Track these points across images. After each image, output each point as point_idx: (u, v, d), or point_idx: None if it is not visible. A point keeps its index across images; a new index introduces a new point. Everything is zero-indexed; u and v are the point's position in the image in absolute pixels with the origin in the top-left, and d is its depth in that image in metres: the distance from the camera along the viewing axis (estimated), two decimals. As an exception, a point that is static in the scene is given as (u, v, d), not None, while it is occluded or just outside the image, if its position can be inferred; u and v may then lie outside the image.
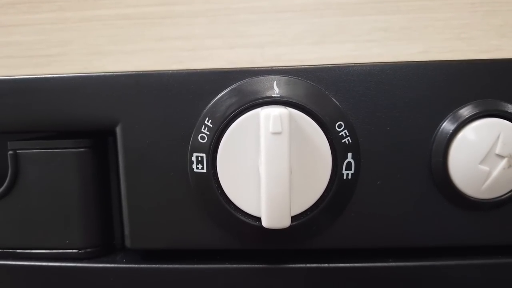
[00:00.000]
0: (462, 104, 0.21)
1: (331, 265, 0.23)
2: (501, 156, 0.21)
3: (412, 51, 0.30)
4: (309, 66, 0.21)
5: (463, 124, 0.21)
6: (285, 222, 0.20)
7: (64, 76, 0.21)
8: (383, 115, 0.21)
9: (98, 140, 0.23)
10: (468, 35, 0.30)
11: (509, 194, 0.21)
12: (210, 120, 0.21)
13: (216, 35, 0.29)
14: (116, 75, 0.21)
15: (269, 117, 0.19)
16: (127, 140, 0.22)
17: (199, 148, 0.21)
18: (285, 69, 0.21)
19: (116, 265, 0.23)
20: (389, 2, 0.29)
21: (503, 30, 0.30)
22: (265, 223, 0.20)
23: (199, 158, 0.21)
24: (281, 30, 0.29)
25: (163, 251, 0.23)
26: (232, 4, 0.29)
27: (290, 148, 0.19)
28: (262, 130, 0.19)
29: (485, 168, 0.21)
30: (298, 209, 0.21)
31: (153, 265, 0.23)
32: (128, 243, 0.23)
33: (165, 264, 0.23)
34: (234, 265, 0.23)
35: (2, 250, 0.24)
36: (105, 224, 0.24)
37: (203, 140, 0.21)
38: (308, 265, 0.22)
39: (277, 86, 0.21)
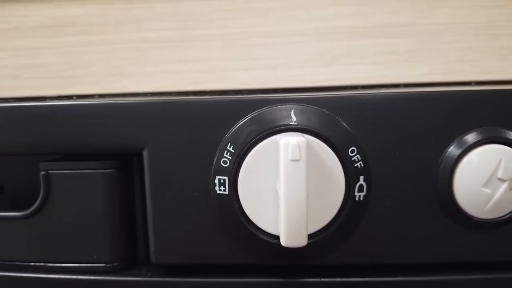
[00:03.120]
0: (466, 131, 0.23)
1: (344, 279, 0.24)
2: (502, 180, 0.22)
3: (417, 72, 0.32)
4: (323, 96, 0.23)
5: (467, 150, 0.23)
6: (302, 242, 0.22)
7: (94, 103, 0.23)
8: (393, 141, 0.23)
9: (124, 161, 0.25)
10: (470, 57, 0.32)
11: (510, 214, 0.23)
12: (232, 146, 0.23)
13: (231, 57, 0.31)
14: (144, 102, 0.23)
15: (288, 145, 0.21)
16: (153, 163, 0.24)
17: (221, 171, 0.23)
18: (301, 98, 0.23)
19: (141, 278, 0.25)
20: (395, 26, 0.31)
21: (504, 52, 0.32)
22: (283, 242, 0.22)
23: (222, 181, 0.23)
24: (293, 53, 0.31)
25: (185, 266, 0.25)
26: (246, 29, 0.31)
27: (308, 173, 0.21)
28: (282, 157, 0.21)
29: (487, 190, 0.22)
30: (313, 228, 0.23)
31: (176, 279, 0.25)
32: (153, 257, 0.25)
33: (187, 278, 0.25)
34: (253, 279, 0.24)
35: (34, 263, 0.25)
36: (130, 240, 0.26)
37: (226, 164, 0.23)
38: (322, 279, 0.24)
39: (294, 115, 0.23)
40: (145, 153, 0.23)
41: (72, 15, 0.30)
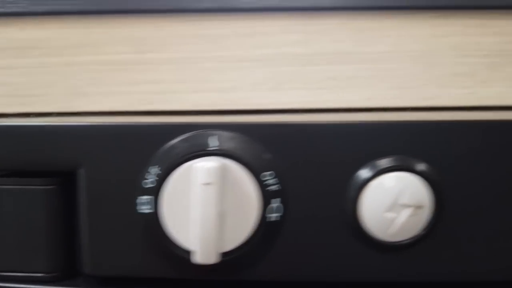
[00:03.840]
0: (374, 159, 0.25)
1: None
2: (406, 205, 0.24)
3: (358, 98, 0.34)
4: (245, 123, 0.25)
5: (374, 176, 0.25)
6: (214, 259, 0.24)
7: (34, 125, 0.26)
8: (307, 166, 0.25)
9: (66, 178, 0.27)
10: (409, 84, 0.34)
11: (413, 238, 0.25)
12: (156, 168, 0.25)
13: (183, 80, 0.33)
14: (79, 125, 0.26)
15: (201, 169, 0.23)
16: (87, 182, 0.26)
17: (146, 191, 0.25)
18: (224, 124, 0.25)
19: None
20: (338, 54, 0.33)
21: (441, 80, 0.34)
22: (197, 259, 0.24)
23: (146, 200, 0.25)
24: (241, 77, 0.33)
25: (119, 278, 0.27)
26: (197, 54, 0.33)
27: (220, 196, 0.23)
28: (196, 180, 0.23)
29: (391, 215, 0.24)
30: (230, 246, 0.25)
31: None
32: (86, 269, 0.27)
33: None
34: None
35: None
36: (68, 252, 0.28)
37: (149, 185, 0.25)
38: None
39: (216, 140, 0.25)
40: (80, 172, 0.26)
41: (35, 38, 0.33)
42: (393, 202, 0.24)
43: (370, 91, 0.34)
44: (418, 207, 0.24)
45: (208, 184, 0.23)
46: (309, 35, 0.33)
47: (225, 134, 0.25)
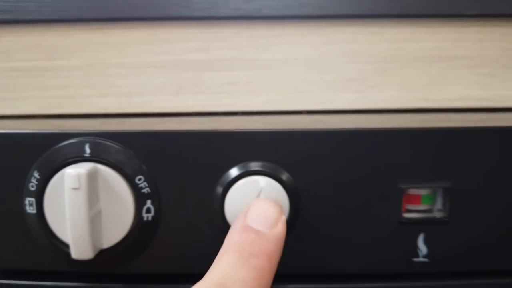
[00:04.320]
0: (240, 163, 0.27)
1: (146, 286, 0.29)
2: None
3: (256, 102, 0.36)
4: (119, 132, 0.28)
5: (237, 178, 0.27)
6: (88, 255, 0.26)
7: None
8: (178, 170, 0.28)
9: None
10: (304, 89, 0.36)
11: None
12: (38, 173, 0.27)
13: (90, 85, 0.36)
14: None
15: (69, 175, 0.25)
16: None
17: (30, 193, 0.28)
18: (98, 132, 0.27)
19: None
20: (236, 60, 0.36)
21: (334, 85, 0.36)
22: (73, 255, 0.26)
23: (30, 202, 0.28)
24: (145, 82, 0.36)
25: (21, 271, 0.30)
26: (103, 60, 0.36)
27: (90, 199, 0.26)
28: (65, 185, 0.26)
29: None
30: (109, 243, 0.28)
31: (9, 281, 0.30)
32: None
33: (18, 281, 0.30)
34: (70, 283, 0.29)
35: None
36: None
37: (33, 188, 0.28)
38: (125, 285, 0.29)
39: (88, 148, 0.27)
40: None
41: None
42: None
43: (268, 96, 0.36)
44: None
45: (76, 188, 0.25)
46: (208, 42, 0.35)
47: (101, 142, 0.27)
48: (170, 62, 0.35)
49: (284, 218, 0.26)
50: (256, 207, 0.26)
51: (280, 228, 0.25)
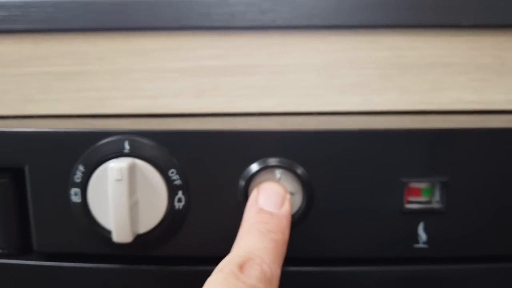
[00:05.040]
0: (262, 158, 0.31)
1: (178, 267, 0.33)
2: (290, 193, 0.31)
3: (271, 104, 0.40)
4: (153, 130, 0.32)
5: (258, 171, 0.31)
6: (128, 239, 0.30)
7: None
8: (206, 165, 0.32)
9: (15, 173, 0.34)
10: (314, 92, 0.40)
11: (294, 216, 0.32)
12: (83, 166, 0.31)
13: (118, 88, 0.40)
14: (22, 131, 0.32)
15: (112, 169, 0.29)
16: (31, 176, 0.32)
17: (76, 185, 0.32)
18: (136, 131, 0.31)
19: (25, 262, 0.34)
20: (252, 66, 0.40)
21: (342, 89, 0.40)
22: (114, 238, 0.30)
23: (76, 192, 0.32)
24: (168, 86, 0.40)
25: (64, 254, 0.34)
26: (130, 65, 0.39)
27: (130, 190, 0.30)
28: (109, 177, 0.30)
29: None
30: (145, 228, 0.32)
31: (54, 263, 0.34)
32: (35, 246, 0.34)
33: (63, 262, 0.34)
34: (110, 265, 0.33)
35: None
36: (23, 232, 0.35)
37: (78, 179, 0.32)
38: (159, 266, 0.33)
39: (128, 144, 0.31)
40: (25, 169, 0.32)
41: (-8, 52, 0.39)
42: None
43: (281, 99, 0.40)
44: (292, 193, 0.31)
45: (119, 180, 0.29)
46: (226, 50, 0.39)
47: (138, 139, 0.31)
48: (191, 68, 0.39)
49: (289, 197, 0.31)
50: (264, 190, 0.31)
51: (287, 206, 0.31)
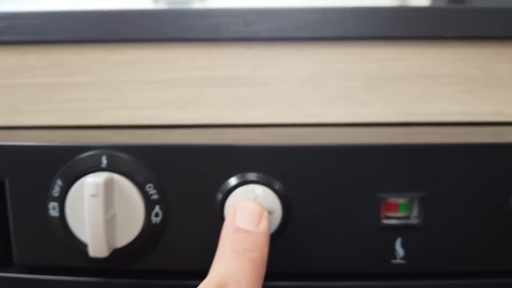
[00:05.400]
0: (239, 173, 0.32)
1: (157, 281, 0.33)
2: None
3: (255, 115, 0.41)
4: (133, 145, 0.32)
5: (236, 186, 0.31)
6: (103, 254, 0.31)
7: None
8: (184, 180, 0.32)
9: None
10: (299, 104, 0.40)
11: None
12: (61, 180, 0.32)
13: (104, 99, 0.40)
14: (3, 145, 0.32)
15: (88, 183, 0.30)
16: (11, 190, 0.33)
17: (54, 199, 0.32)
18: (113, 145, 0.32)
19: (5, 274, 0.34)
20: (237, 77, 0.40)
21: (326, 100, 0.40)
22: (90, 253, 0.31)
23: (54, 206, 0.32)
24: (154, 97, 0.40)
25: (45, 267, 0.34)
26: (117, 77, 0.40)
27: (106, 205, 0.30)
28: (85, 192, 0.30)
29: None
30: (122, 243, 0.32)
31: (34, 276, 0.34)
32: (15, 259, 0.34)
33: (42, 275, 0.34)
34: (86, 278, 0.34)
35: None
36: (3, 244, 0.35)
37: (56, 193, 0.32)
38: (138, 280, 0.33)
39: (105, 159, 0.32)
40: (6, 182, 0.32)
41: (-21, 63, 0.39)
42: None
43: (265, 110, 0.40)
44: (269, 212, 0.31)
45: (94, 195, 0.29)
46: (211, 61, 0.40)
47: (116, 154, 0.31)
48: (176, 79, 0.39)
49: (266, 213, 0.31)
50: (241, 209, 0.31)
51: (265, 223, 0.30)
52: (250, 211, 0.30)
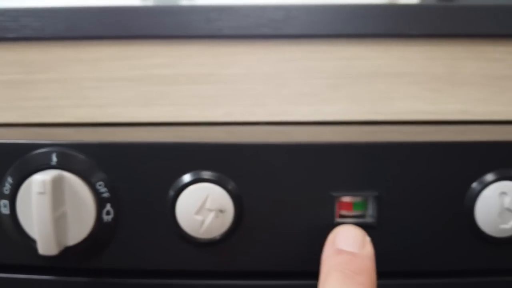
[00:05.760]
0: (191, 171, 0.31)
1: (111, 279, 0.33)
2: (210, 210, 0.31)
3: (219, 113, 0.40)
4: (83, 142, 0.31)
5: (186, 185, 0.31)
6: (53, 252, 0.30)
7: None
8: (135, 177, 0.31)
9: None
10: (263, 102, 0.40)
11: (222, 236, 0.31)
12: (11, 178, 0.31)
13: (66, 97, 0.40)
14: None
15: (36, 181, 0.29)
16: None
17: (4, 196, 0.32)
18: (64, 143, 0.31)
19: None
20: (200, 75, 0.40)
21: (289, 98, 0.40)
22: (39, 251, 0.30)
23: (5, 204, 0.32)
24: (116, 95, 0.40)
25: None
26: (78, 74, 0.39)
27: (54, 203, 0.30)
28: (32, 190, 0.29)
29: (199, 217, 0.31)
30: (74, 241, 0.32)
31: None
32: None
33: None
34: (39, 276, 0.33)
35: None
36: None
37: (7, 191, 0.31)
38: (93, 279, 0.33)
39: (55, 157, 0.31)
40: None
41: None
42: (200, 207, 0.31)
43: (229, 108, 0.40)
44: (221, 211, 0.31)
45: (41, 193, 0.29)
46: (173, 59, 0.39)
47: (66, 151, 0.31)
48: (139, 77, 0.39)
49: (369, 239, 0.29)
50: (342, 232, 0.30)
51: (369, 247, 0.29)
52: (351, 234, 0.29)
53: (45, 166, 0.30)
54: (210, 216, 0.30)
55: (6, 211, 0.30)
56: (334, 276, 0.26)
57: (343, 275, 0.26)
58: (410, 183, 0.30)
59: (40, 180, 0.28)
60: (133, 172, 0.30)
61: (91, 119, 0.39)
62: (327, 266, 0.28)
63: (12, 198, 0.30)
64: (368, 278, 0.27)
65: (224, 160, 0.30)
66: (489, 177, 0.31)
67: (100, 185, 0.30)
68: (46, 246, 0.29)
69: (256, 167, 0.31)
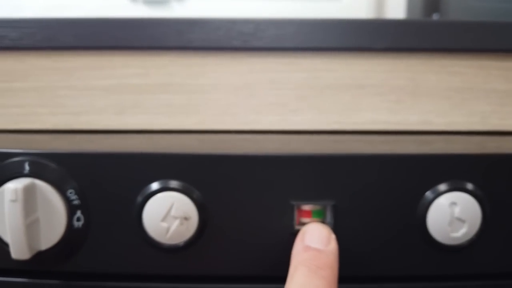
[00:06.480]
0: (158, 180, 0.33)
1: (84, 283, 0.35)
2: (175, 217, 0.33)
3: (190, 122, 0.42)
4: (55, 152, 0.33)
5: (150, 195, 0.33)
6: (25, 256, 0.32)
7: None
8: (105, 185, 0.33)
9: None
10: (233, 111, 0.42)
11: (184, 242, 0.33)
12: None
13: (43, 105, 0.41)
14: None
15: (8, 189, 0.31)
16: None
17: None
18: (36, 153, 0.33)
19: None
20: (172, 85, 0.41)
21: (258, 108, 0.42)
22: (12, 255, 0.32)
23: None
24: (91, 103, 0.41)
25: None
26: (55, 83, 0.41)
27: (26, 210, 0.31)
28: (5, 197, 0.31)
29: (165, 224, 0.33)
30: (46, 246, 0.33)
31: None
32: None
33: None
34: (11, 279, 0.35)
35: None
36: None
37: None
38: (65, 282, 0.35)
39: (28, 165, 0.33)
40: None
41: None
42: (165, 214, 0.33)
43: (200, 117, 0.42)
44: (185, 218, 0.33)
45: (13, 200, 0.31)
46: (147, 69, 0.41)
47: (39, 160, 0.33)
48: (113, 86, 0.41)
49: (334, 236, 0.32)
50: (310, 230, 0.33)
51: (334, 244, 0.32)
52: (319, 232, 0.32)
53: (17, 174, 0.31)
54: (175, 223, 0.32)
55: (-19, 216, 0.32)
56: (301, 271, 0.29)
57: (308, 269, 0.29)
58: (366, 193, 0.33)
59: (12, 188, 0.30)
60: (103, 180, 0.32)
61: (67, 126, 0.41)
62: (296, 261, 0.31)
63: (-13, 205, 0.31)
64: (331, 272, 0.30)
65: (189, 170, 0.32)
66: (442, 187, 0.33)
67: (71, 193, 0.32)
68: (18, 251, 0.31)
69: (220, 177, 0.32)
